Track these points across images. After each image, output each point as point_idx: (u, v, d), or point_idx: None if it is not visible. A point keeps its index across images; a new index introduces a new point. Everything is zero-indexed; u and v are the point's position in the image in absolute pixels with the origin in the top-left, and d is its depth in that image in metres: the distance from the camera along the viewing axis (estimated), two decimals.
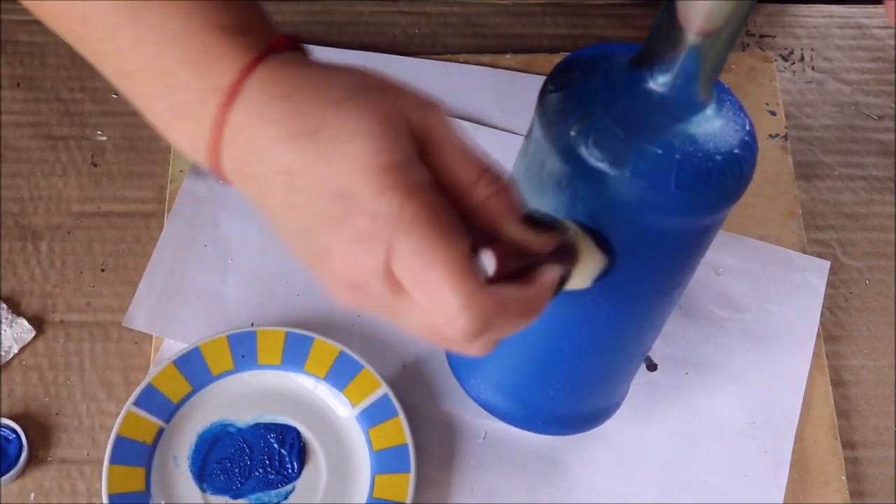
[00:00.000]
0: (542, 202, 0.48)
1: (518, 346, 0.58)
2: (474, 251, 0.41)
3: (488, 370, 0.62)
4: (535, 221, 0.44)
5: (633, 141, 0.44)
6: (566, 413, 0.62)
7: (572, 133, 0.45)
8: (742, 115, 0.48)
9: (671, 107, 0.45)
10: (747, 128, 0.47)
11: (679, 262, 0.51)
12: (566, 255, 0.47)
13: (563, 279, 0.46)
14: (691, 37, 0.42)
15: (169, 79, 0.41)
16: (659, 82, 0.44)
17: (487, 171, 0.41)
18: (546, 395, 0.60)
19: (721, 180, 0.45)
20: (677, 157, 0.44)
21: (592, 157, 0.44)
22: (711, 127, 0.45)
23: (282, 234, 0.41)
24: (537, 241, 0.43)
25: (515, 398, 0.61)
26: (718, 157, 0.45)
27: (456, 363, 0.64)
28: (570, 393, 0.60)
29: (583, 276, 0.48)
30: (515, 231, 0.42)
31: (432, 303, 0.39)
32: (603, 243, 0.47)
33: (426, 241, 0.38)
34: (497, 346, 0.43)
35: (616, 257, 0.48)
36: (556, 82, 0.48)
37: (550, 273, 0.44)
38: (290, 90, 0.39)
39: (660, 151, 0.44)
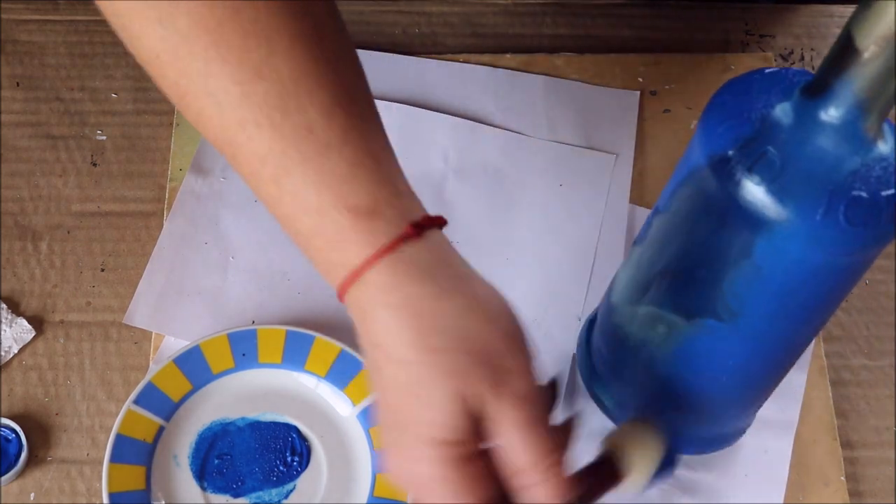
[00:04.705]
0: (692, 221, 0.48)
1: (649, 372, 0.58)
2: None
3: (617, 386, 0.62)
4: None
5: (799, 172, 0.44)
6: (688, 434, 0.61)
7: (731, 153, 0.45)
8: None
9: (840, 140, 0.44)
10: None
11: (835, 293, 0.51)
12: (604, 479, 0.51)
13: None
14: (867, 61, 0.41)
15: (303, 238, 0.45)
16: (830, 114, 0.44)
17: (542, 460, 0.44)
18: (672, 417, 0.59)
19: (888, 216, 0.45)
20: (848, 192, 0.44)
21: (752, 181, 0.44)
22: (880, 162, 0.45)
23: (368, 367, 0.46)
24: None
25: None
26: (887, 194, 0.44)
27: (588, 375, 0.65)
28: (695, 418, 0.59)
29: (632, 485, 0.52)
30: None
31: None
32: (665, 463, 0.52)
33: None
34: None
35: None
36: (725, 94, 0.47)
37: None
38: (404, 297, 0.43)
39: (825, 184, 0.44)
